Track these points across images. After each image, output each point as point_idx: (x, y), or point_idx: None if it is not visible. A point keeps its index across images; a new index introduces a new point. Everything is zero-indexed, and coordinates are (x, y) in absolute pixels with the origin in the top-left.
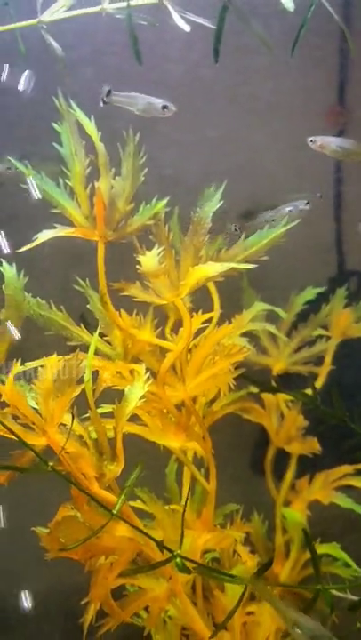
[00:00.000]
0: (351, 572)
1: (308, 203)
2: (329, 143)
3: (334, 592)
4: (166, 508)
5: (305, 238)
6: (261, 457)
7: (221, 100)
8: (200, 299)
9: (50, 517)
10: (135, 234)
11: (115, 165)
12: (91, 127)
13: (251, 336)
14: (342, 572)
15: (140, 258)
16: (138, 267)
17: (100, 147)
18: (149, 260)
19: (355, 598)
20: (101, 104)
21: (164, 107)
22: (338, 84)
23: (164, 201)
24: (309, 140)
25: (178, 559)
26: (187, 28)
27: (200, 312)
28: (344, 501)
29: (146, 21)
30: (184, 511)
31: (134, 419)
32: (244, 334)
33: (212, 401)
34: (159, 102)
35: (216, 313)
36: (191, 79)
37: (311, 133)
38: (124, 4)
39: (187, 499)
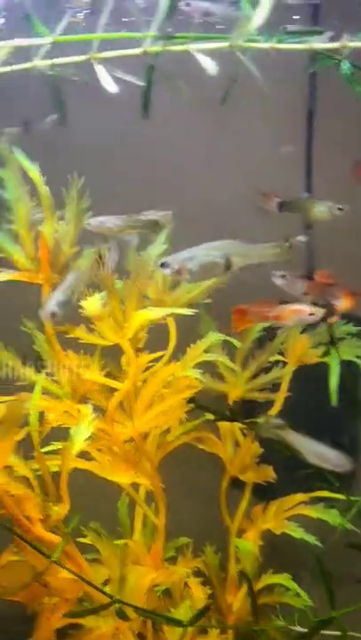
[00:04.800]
0: (302, 601)
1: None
2: (103, 223)
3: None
4: (114, 543)
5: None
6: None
7: None
8: None
9: None
10: None
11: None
12: (34, 172)
13: (208, 364)
14: (293, 602)
15: (83, 302)
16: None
17: (45, 190)
18: (92, 304)
19: (302, 630)
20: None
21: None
22: None
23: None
24: (86, 223)
25: (117, 605)
26: (114, 88)
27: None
28: (295, 531)
29: (77, 77)
30: (125, 552)
31: (86, 455)
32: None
33: (168, 431)
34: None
35: (171, 348)
36: None
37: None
38: (55, 61)
39: (131, 536)
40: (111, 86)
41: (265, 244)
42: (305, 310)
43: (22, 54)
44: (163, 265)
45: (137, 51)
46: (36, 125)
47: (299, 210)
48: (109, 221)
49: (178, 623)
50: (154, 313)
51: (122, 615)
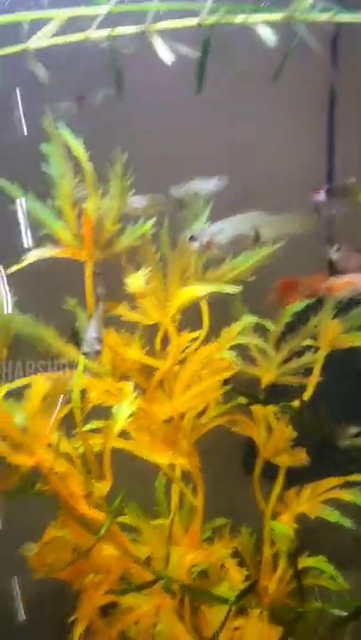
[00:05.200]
0: (337, 584)
1: None
2: (130, 203)
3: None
4: (153, 523)
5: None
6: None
7: None
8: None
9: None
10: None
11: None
12: (78, 148)
13: (240, 346)
14: (329, 585)
15: (127, 279)
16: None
17: (88, 167)
18: (136, 281)
19: (341, 613)
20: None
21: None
22: None
23: (151, 221)
24: None
25: (164, 581)
26: (170, 59)
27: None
28: (331, 515)
29: (127, 50)
30: (170, 531)
31: (123, 434)
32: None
33: (202, 413)
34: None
35: (205, 329)
36: None
37: None
38: (108, 32)
39: (173, 515)
40: (168, 57)
41: (293, 214)
42: (359, 281)
43: (70, 26)
44: (191, 238)
45: (193, 21)
46: (89, 99)
47: (346, 195)
48: (136, 201)
49: (224, 601)
50: (198, 290)
51: (169, 591)
